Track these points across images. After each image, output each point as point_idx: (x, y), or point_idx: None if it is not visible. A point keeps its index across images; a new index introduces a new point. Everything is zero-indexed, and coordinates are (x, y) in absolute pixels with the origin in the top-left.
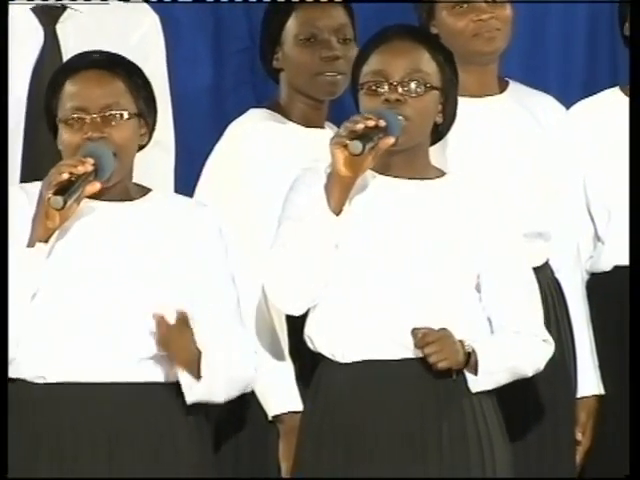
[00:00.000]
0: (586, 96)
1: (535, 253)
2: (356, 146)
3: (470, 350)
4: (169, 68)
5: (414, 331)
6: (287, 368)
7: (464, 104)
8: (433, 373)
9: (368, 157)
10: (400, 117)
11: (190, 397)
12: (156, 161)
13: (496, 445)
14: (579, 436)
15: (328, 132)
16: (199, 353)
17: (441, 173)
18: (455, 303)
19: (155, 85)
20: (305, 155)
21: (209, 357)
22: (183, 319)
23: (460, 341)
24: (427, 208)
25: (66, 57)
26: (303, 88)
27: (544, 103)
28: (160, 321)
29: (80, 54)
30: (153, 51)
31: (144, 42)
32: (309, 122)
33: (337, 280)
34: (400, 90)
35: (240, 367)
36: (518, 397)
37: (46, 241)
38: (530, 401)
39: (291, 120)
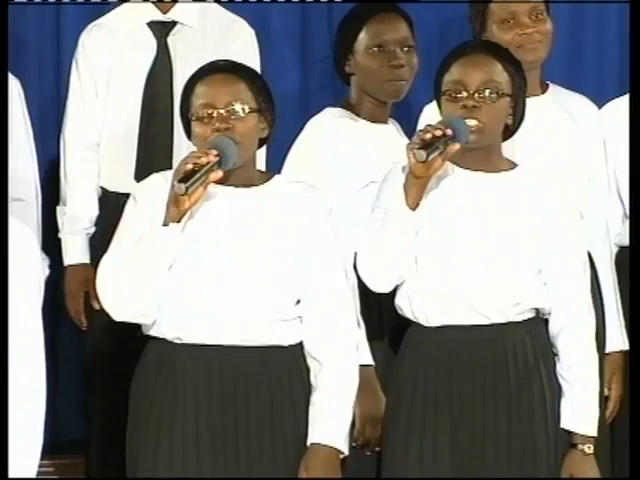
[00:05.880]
0: (617, 97)
1: None
2: (420, 155)
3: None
4: (263, 74)
5: None
6: (360, 329)
7: None
8: (502, 338)
9: (437, 160)
10: (472, 123)
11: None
12: None
13: (558, 400)
14: (606, 391)
15: (391, 127)
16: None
17: (512, 166)
18: (522, 281)
19: None
20: (372, 147)
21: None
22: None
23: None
24: (499, 196)
25: (175, 65)
26: (372, 91)
27: (579, 102)
28: None
29: (208, 63)
30: (249, 60)
31: (242, 53)
32: (375, 119)
33: (421, 259)
34: (476, 97)
35: (353, 365)
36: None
37: (178, 221)
38: None
39: (360, 117)
